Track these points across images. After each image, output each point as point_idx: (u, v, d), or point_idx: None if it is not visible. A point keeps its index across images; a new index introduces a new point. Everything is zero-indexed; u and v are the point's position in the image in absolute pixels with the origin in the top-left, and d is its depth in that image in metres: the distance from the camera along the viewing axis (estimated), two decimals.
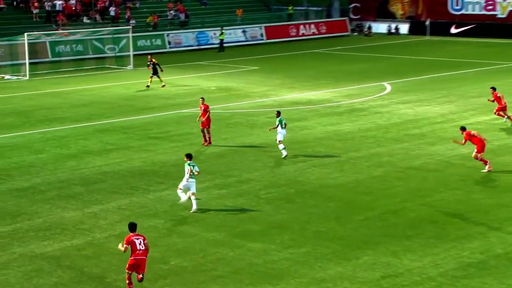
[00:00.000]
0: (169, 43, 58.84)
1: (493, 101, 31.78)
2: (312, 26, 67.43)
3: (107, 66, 50.81)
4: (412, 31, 68.58)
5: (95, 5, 59.23)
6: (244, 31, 63.13)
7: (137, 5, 62.96)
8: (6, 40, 48.21)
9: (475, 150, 24.61)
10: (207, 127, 28.40)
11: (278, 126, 26.55)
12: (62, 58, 52.09)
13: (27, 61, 46.03)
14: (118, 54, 53.10)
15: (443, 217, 20.65)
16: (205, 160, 26.67)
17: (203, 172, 25.00)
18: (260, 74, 47.17)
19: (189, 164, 21.23)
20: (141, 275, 16.15)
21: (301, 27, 66.75)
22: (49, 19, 56.82)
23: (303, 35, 66.58)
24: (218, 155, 27.39)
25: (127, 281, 16.14)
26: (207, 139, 28.51)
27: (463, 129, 24.94)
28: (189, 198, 21.20)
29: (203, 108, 28.53)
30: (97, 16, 58.98)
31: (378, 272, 17.13)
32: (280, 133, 26.65)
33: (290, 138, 29.93)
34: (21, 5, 57.34)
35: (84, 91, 41.35)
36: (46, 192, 23.00)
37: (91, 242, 18.79)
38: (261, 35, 64.11)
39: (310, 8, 72.58)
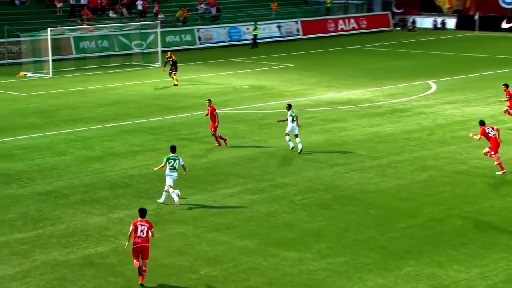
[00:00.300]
0: (200, 39, 59.09)
1: (507, 100, 31.61)
2: (352, 20, 67.27)
3: (134, 63, 51.17)
4: (459, 26, 68.04)
5: None
6: (279, 26, 63.18)
7: None
8: (29, 35, 48.76)
9: (488, 147, 24.75)
10: (213, 129, 28.69)
11: (288, 119, 27.41)
12: (87, 55, 52.58)
13: (50, 58, 46.52)
14: (145, 50, 53.49)
15: (492, 225, 20.47)
16: (236, 163, 26.76)
17: (234, 176, 25.13)
18: (296, 72, 47.18)
19: (167, 158, 22.03)
20: (144, 266, 16.89)
21: (340, 21, 66.63)
22: (73, 13, 57.39)
23: (342, 30, 66.45)
24: (251, 158, 27.45)
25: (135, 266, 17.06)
26: (218, 140, 28.76)
27: (481, 123, 24.99)
28: (166, 191, 22.09)
29: (209, 110, 28.70)
30: (124, 10, 59.44)
31: (422, 284, 17.05)
32: (291, 125, 27.57)
33: (328, 140, 29.91)
34: None
35: (110, 90, 41.73)
36: (69, 196, 23.25)
37: (116, 250, 18.95)
38: (297, 30, 64.11)
39: (350, 2, 72.37)
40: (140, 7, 59.68)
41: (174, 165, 22.10)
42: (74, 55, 52.59)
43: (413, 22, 69.66)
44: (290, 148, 27.83)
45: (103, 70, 48.00)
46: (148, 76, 45.70)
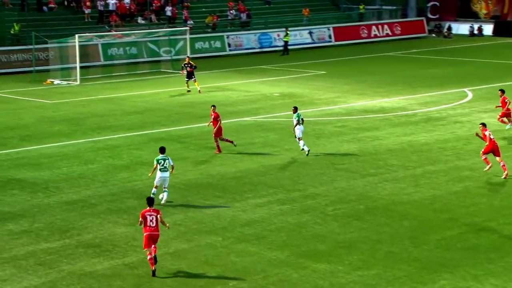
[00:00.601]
0: (229, 45, 59.28)
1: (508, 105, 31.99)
2: (386, 26, 67.09)
3: (163, 70, 51.46)
4: (497, 32, 67.55)
5: (151, 5, 60.08)
6: (310, 33, 63.19)
7: (196, 2, 63.61)
8: (56, 42, 49.23)
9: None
10: (219, 135, 29.05)
11: (296, 122, 28.40)
12: (115, 62, 52.97)
13: (77, 64, 46.92)
14: (174, 57, 53.77)
15: None
16: (266, 172, 26.78)
17: (264, 185, 25.16)
18: (328, 79, 47.13)
19: (157, 160, 23.13)
20: (154, 252, 18.27)
21: (373, 28, 66.48)
22: (102, 19, 57.88)
23: (375, 36, 66.28)
24: (281, 168, 27.45)
25: (148, 258, 18.34)
26: (219, 147, 29.15)
27: (483, 125, 26.24)
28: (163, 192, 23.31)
29: (213, 116, 29.00)
30: (153, 16, 59.84)
31: None
32: (298, 129, 28.46)
33: (361, 149, 29.84)
34: (72, 4, 58.51)
35: (138, 97, 41.99)
36: (96, 206, 23.42)
37: (144, 260, 19.03)
38: (329, 36, 64.07)
39: (384, 7, 72.21)
40: (169, 13, 60.05)
41: (165, 165, 23.16)
42: (102, 62, 53.01)
43: (449, 28, 69.29)
44: (307, 154, 28.48)
45: (131, 77, 48.32)
46: (177, 84, 45.88)
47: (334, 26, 64.55)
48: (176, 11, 60.61)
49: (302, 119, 28.52)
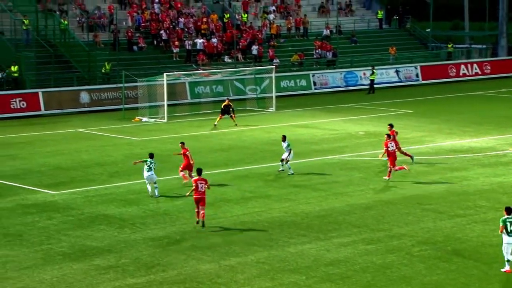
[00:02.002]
0: (315, 83, 59.41)
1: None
2: (475, 65, 66.13)
3: (248, 108, 51.91)
4: None
5: (237, 44, 60.84)
6: (397, 71, 62.81)
7: (282, 41, 64.10)
8: (145, 81, 50.26)
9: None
10: (186, 169, 30.62)
11: (284, 146, 31.74)
12: (202, 100, 53.70)
13: (165, 102, 47.75)
14: (259, 95, 54.19)
15: None
16: (351, 211, 26.58)
17: (349, 225, 24.96)
18: (414, 118, 46.66)
19: (145, 161, 28.68)
20: (202, 213, 24.85)
21: (462, 66, 65.62)
22: (189, 58, 58.89)
23: (464, 75, 65.40)
24: (366, 207, 27.21)
25: (196, 211, 25.11)
26: (187, 177, 30.45)
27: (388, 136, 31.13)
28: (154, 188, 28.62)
29: (182, 152, 30.71)
30: (239, 55, 60.56)
31: None
32: (291, 154, 31.73)
33: (448, 189, 29.35)
34: (161, 44, 59.78)
35: (224, 135, 42.41)
36: (181, 242, 23.64)
37: None
38: (417, 75, 63.53)
39: (473, 46, 71.31)
40: (255, 52, 60.66)
41: (151, 166, 28.51)
42: (189, 100, 53.81)
43: None
44: (279, 170, 31.95)
45: (217, 115, 48.78)
46: (262, 121, 46.20)
47: (421, 64, 63.99)
48: (262, 50, 61.17)
49: (291, 150, 31.73)
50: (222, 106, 44.97)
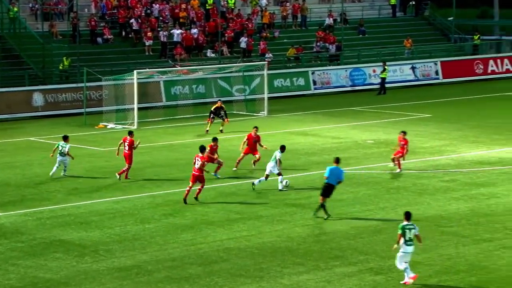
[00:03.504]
0: (315, 82, 59.66)
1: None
2: (506, 61, 66.57)
3: (236, 112, 51.99)
4: None
5: (222, 35, 60.98)
6: (413, 68, 63.13)
7: (276, 34, 64.22)
8: (112, 79, 50.25)
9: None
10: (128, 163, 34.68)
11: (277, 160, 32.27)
12: (179, 102, 53.76)
13: (135, 105, 47.77)
14: (249, 96, 54.31)
15: None
16: (357, 235, 26.68)
17: (354, 251, 25.08)
18: (434, 124, 46.87)
19: (58, 144, 34.95)
20: (200, 187, 30.66)
21: (491, 62, 66.02)
22: (165, 52, 59.01)
23: (493, 72, 65.79)
24: (375, 231, 27.31)
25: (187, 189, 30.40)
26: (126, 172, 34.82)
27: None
28: None
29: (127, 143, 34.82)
30: (224, 49, 60.74)
31: None
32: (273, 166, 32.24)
33: (473, 209, 29.49)
34: (130, 35, 59.84)
35: (206, 144, 42.31)
36: (153, 273, 23.63)
37: None
38: (436, 72, 63.86)
39: (504, 38, 71.73)
40: (243, 45, 60.78)
41: (62, 150, 34.51)
42: (164, 103, 53.92)
43: None
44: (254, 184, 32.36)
45: (198, 121, 48.89)
46: (252, 128, 46.19)
47: (442, 60, 64.36)
48: (252, 42, 61.31)
49: (279, 160, 32.36)
50: (212, 109, 44.92)
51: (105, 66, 54.71)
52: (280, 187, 32.23)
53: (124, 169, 34.70)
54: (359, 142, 42.08)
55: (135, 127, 47.06)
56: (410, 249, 22.16)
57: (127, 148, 34.91)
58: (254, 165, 35.69)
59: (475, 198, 31.00)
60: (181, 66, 55.97)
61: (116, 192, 32.86)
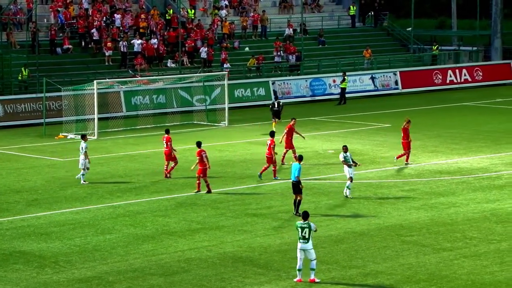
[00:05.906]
0: (275, 92, 59.69)
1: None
2: (464, 71, 67.04)
3: (196, 122, 51.89)
4: None
5: (183, 45, 60.94)
6: (373, 78, 63.42)
7: (236, 44, 64.30)
8: (71, 89, 50.03)
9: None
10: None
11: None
12: (140, 112, 53.59)
13: (96, 116, 47.57)
14: (209, 106, 54.27)
15: None
16: (318, 245, 26.68)
17: (319, 262, 25.11)
18: (393, 134, 47.02)
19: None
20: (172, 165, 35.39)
21: (449, 72, 66.48)
22: (125, 63, 58.83)
23: (451, 83, 66.24)
24: (336, 240, 27.36)
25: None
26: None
27: (198, 144, 34.53)
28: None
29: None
30: (185, 59, 60.68)
31: None
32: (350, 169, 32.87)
33: (433, 218, 29.63)
34: (90, 45, 59.62)
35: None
36: (114, 284, 23.52)
37: None
38: (396, 82, 64.21)
39: (462, 49, 72.28)
40: (204, 55, 60.78)
41: None
42: (124, 113, 53.67)
43: None
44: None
45: (159, 131, 48.71)
46: (213, 138, 46.22)
47: (401, 70, 64.70)
48: (213, 52, 61.34)
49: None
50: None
51: (65, 76, 54.47)
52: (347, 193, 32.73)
53: (172, 166, 36.23)
54: (319, 152, 42.18)
55: (95, 137, 46.84)
56: (304, 246, 23.26)
57: (165, 146, 36.16)
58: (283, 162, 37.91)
59: (435, 207, 31.17)
60: (141, 76, 55.84)
61: (76, 203, 32.67)
